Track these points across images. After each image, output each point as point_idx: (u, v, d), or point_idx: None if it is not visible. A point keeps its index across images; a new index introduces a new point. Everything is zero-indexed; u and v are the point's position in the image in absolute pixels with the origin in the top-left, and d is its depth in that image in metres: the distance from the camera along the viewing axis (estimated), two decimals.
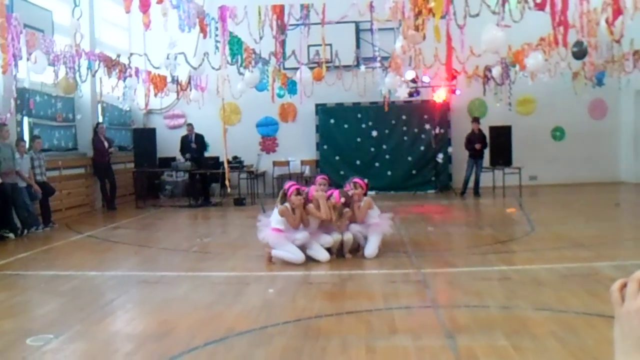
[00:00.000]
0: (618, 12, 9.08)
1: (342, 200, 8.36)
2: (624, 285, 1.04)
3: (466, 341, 4.87)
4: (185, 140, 16.52)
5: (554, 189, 16.95)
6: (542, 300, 5.99)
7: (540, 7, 8.85)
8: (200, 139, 16.56)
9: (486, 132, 16.38)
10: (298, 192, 8.10)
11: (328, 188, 8.80)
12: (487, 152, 16.23)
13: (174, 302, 6.50)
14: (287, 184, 8.65)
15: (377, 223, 8.62)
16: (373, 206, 8.80)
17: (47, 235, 11.37)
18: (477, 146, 15.95)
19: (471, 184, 16.17)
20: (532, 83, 14.34)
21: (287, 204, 8.06)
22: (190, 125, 16.65)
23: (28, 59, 10.17)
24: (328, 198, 8.30)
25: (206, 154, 16.87)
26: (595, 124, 18.18)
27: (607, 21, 9.44)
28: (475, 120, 16.43)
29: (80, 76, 12.09)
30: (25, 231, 11.23)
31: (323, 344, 4.91)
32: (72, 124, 14.70)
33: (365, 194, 8.71)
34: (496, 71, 14.99)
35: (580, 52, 12.18)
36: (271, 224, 8.27)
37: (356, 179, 8.82)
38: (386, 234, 8.82)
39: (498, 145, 16.21)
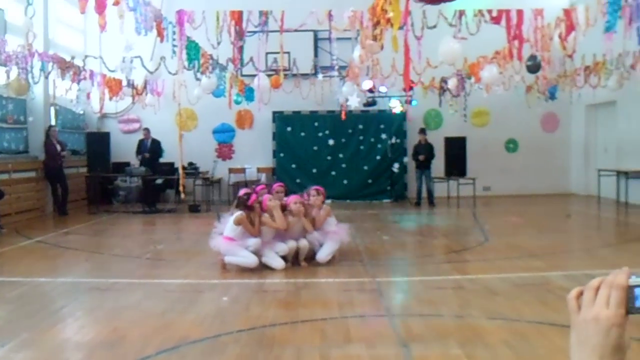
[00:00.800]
0: (571, 27, 9.32)
1: (296, 205, 8.32)
2: (581, 294, 1.06)
3: (420, 350, 4.89)
4: (141, 145, 16.34)
5: (507, 199, 17.24)
6: (495, 309, 6.06)
7: (496, 21, 9.03)
8: (156, 144, 16.39)
9: (441, 143, 16.58)
10: (258, 200, 8.10)
11: (284, 195, 8.81)
12: (441, 163, 16.41)
13: (125, 309, 6.38)
14: (241, 191, 8.60)
15: (335, 231, 8.63)
16: (331, 214, 8.83)
17: None
18: (421, 157, 16.12)
19: (424, 193, 16.33)
20: (486, 95, 14.57)
21: (242, 213, 8.00)
22: (146, 130, 16.47)
23: None
24: (283, 207, 8.27)
25: (162, 160, 16.70)
26: (548, 137, 18.58)
27: (560, 36, 9.67)
28: (422, 131, 16.59)
29: (32, 77, 11.84)
30: None
31: (277, 352, 4.87)
32: (24, 126, 14.37)
33: (323, 202, 8.72)
34: (452, 83, 15.21)
35: (534, 66, 12.43)
36: (224, 232, 8.20)
37: (316, 187, 8.84)
38: (343, 243, 8.84)
39: (453, 156, 16.43)
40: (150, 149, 16.27)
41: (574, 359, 1.03)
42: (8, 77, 11.30)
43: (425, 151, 16.17)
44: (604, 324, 0.99)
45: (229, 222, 8.14)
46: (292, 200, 8.38)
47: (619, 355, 0.98)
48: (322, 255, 8.39)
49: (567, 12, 9.64)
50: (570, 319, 1.07)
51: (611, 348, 0.98)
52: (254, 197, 8.13)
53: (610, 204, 15.44)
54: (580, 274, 7.41)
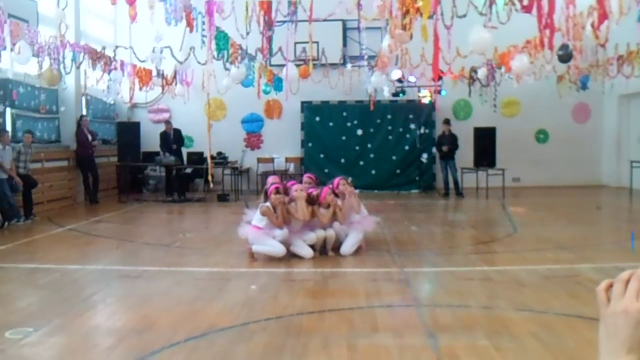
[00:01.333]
0: (604, 16, 9.16)
1: (329, 197, 8.34)
2: (610, 286, 1.05)
3: (447, 340, 4.88)
4: (164, 137, 16.51)
5: (536, 191, 17.07)
6: (523, 301, 6.02)
7: (527, 9, 8.90)
8: (177, 134, 16.59)
9: (470, 133, 16.45)
10: (277, 191, 8.09)
11: (313, 186, 8.84)
12: (470, 153, 16.30)
13: (155, 297, 6.47)
14: (268, 182, 8.64)
15: (358, 221, 8.64)
16: (359, 204, 8.84)
17: (28, 227, 11.27)
18: (445, 148, 16.07)
19: (451, 184, 16.25)
20: (517, 85, 14.40)
21: (268, 204, 8.04)
22: (169, 123, 16.65)
23: (12, 50, 10.07)
24: (309, 197, 8.28)
25: (191, 150, 16.86)
26: (579, 128, 18.32)
27: (592, 25, 9.52)
28: (446, 122, 16.52)
29: (64, 68, 12.00)
30: (6, 223, 11.12)
31: (304, 341, 4.90)
32: (56, 116, 14.58)
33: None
34: (482, 72, 15.06)
35: (565, 56, 12.26)
36: (252, 221, 8.25)
37: (343, 177, 8.86)
38: (367, 232, 8.84)
39: (482, 146, 16.29)
40: (174, 140, 16.45)
41: (602, 352, 1.01)
42: (41, 67, 11.45)
43: (448, 142, 16.09)
44: (633, 316, 0.97)
45: (257, 212, 8.19)
46: (326, 192, 8.37)
47: None
48: (346, 247, 8.40)
49: (600, 1, 9.48)
50: (599, 311, 1.05)
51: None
52: (271, 188, 8.15)
53: None
54: (610, 267, 7.32)
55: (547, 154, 18.15)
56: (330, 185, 8.68)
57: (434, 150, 17.33)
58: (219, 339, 5.00)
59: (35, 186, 12.32)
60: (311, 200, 8.27)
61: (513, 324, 5.22)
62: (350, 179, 8.92)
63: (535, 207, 13.90)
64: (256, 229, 8.09)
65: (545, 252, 8.51)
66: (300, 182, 9.11)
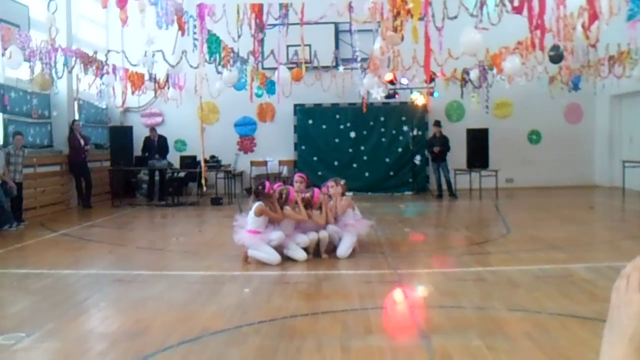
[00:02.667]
0: (594, 17, 9.19)
1: (322, 197, 8.36)
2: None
3: (441, 341, 4.88)
4: (147, 143, 16.64)
5: (529, 191, 17.11)
6: (517, 301, 6.03)
7: (518, 10, 8.93)
8: (162, 141, 16.69)
9: (463, 135, 16.50)
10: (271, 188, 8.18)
11: (305, 187, 8.85)
12: (463, 155, 16.34)
13: (148, 301, 6.45)
14: (258, 182, 8.67)
15: (352, 224, 8.64)
16: (353, 207, 8.84)
17: (21, 233, 11.23)
18: (436, 149, 16.11)
19: (444, 186, 16.29)
20: (509, 86, 14.44)
21: (261, 203, 8.03)
22: (153, 130, 16.79)
23: (3, 54, 10.06)
24: (307, 201, 8.30)
25: (184, 153, 16.92)
26: (571, 128, 18.39)
27: (583, 26, 9.55)
28: (437, 124, 16.58)
29: (56, 72, 11.97)
30: None
31: (298, 343, 4.90)
32: (48, 120, 14.53)
33: (343, 194, 8.73)
34: (474, 74, 15.10)
35: (556, 57, 12.29)
36: (247, 225, 8.23)
37: (335, 179, 8.86)
38: (361, 234, 8.85)
39: (475, 147, 16.34)
40: (159, 147, 16.52)
41: (604, 344, 1.00)
42: (32, 72, 11.43)
43: (439, 143, 16.14)
44: (636, 308, 0.96)
45: (250, 216, 8.16)
46: (318, 193, 8.39)
47: None
48: (342, 250, 8.40)
49: (590, 1, 9.51)
50: (611, 304, 1.03)
51: None
52: (268, 185, 8.18)
53: (634, 195, 15.26)
54: (603, 266, 7.34)
55: (540, 154, 18.20)
56: (324, 189, 8.70)
57: (427, 152, 17.37)
58: (212, 342, 4.99)
59: (14, 195, 12.20)
60: (306, 203, 8.27)
61: (506, 324, 5.23)
62: (343, 181, 8.92)
63: (529, 208, 13.93)
64: (252, 233, 8.07)
65: (538, 253, 8.53)
66: (291, 184, 9.10)
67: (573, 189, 17.32)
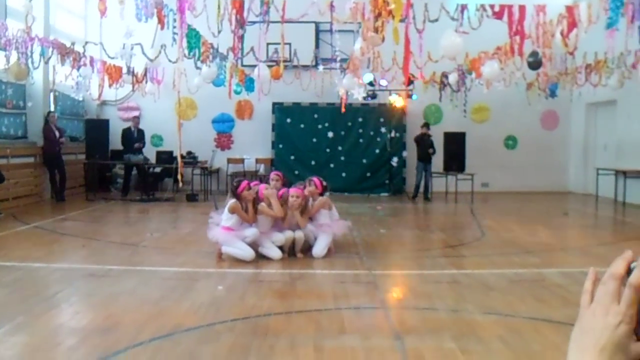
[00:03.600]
0: (573, 24, 9.29)
1: (295, 199, 8.32)
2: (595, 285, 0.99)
3: (414, 343, 4.89)
4: (127, 134, 16.44)
5: (505, 196, 17.25)
6: (490, 304, 6.06)
7: (498, 16, 9.00)
8: (141, 133, 16.56)
9: (441, 138, 16.57)
10: (249, 187, 8.08)
11: (281, 185, 8.81)
12: (440, 158, 16.42)
13: (120, 296, 6.38)
14: (235, 180, 8.62)
15: (327, 224, 8.63)
16: (330, 207, 8.82)
17: None
18: (430, 151, 16.09)
19: (422, 188, 16.32)
20: (487, 91, 14.53)
21: (235, 201, 8.00)
22: (136, 119, 16.60)
23: None
24: (280, 196, 8.27)
25: (160, 148, 16.78)
26: (547, 135, 18.58)
27: (562, 33, 9.64)
28: (425, 125, 16.54)
29: (32, 62, 11.79)
30: None
31: (271, 342, 4.87)
32: (23, 111, 14.33)
33: (321, 194, 8.70)
34: (452, 78, 15.17)
35: (535, 63, 12.40)
36: (221, 222, 8.20)
37: (313, 178, 8.83)
38: (337, 235, 8.84)
39: (452, 151, 16.42)
40: (138, 138, 16.39)
41: (571, 348, 0.97)
42: (8, 61, 11.25)
43: (430, 145, 16.07)
44: (612, 319, 0.93)
45: (225, 212, 8.14)
46: (292, 193, 8.36)
47: (621, 357, 0.92)
48: (318, 250, 8.38)
49: (570, 9, 9.61)
50: (580, 312, 0.99)
51: (614, 345, 0.92)
52: (243, 184, 8.13)
53: (608, 203, 15.45)
54: (576, 272, 7.41)
55: (516, 160, 18.36)
56: (301, 185, 8.68)
57: (405, 153, 17.41)
58: (184, 339, 4.95)
59: (3, 181, 12.11)
60: (283, 201, 8.25)
61: (480, 327, 5.25)
62: (324, 182, 8.87)
63: (504, 212, 14.03)
64: (226, 230, 8.04)
65: (512, 257, 8.59)
66: (267, 182, 9.07)
67: (547, 194, 17.49)
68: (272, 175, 9.30)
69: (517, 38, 9.87)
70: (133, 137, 16.38)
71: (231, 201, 8.05)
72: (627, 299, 0.92)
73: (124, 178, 16.72)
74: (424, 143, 16.23)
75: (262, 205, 8.14)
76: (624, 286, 0.93)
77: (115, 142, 17.22)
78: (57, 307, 6.03)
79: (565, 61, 14.02)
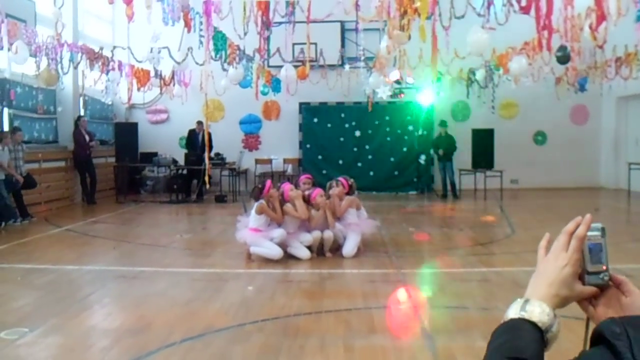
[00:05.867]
0: (602, 17, 9.15)
1: (321, 198, 8.34)
2: (548, 243, 1.32)
3: (444, 341, 4.87)
4: (191, 136, 16.46)
5: (534, 192, 17.05)
6: None
7: (525, 10, 8.89)
8: (208, 137, 16.46)
9: (469, 135, 16.45)
10: (273, 187, 8.17)
11: (312, 187, 8.82)
12: (469, 155, 16.30)
13: (152, 297, 6.45)
14: (259, 183, 8.69)
15: (356, 223, 8.63)
16: (359, 206, 8.82)
17: (25, 228, 11.24)
18: (440, 152, 16.14)
19: (449, 186, 16.25)
20: (515, 87, 14.39)
21: (262, 201, 8.05)
22: (200, 123, 16.21)
23: (9, 49, 10.06)
24: (307, 199, 8.29)
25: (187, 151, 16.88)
26: (577, 130, 18.32)
27: (590, 27, 9.51)
28: (442, 124, 16.53)
29: (62, 68, 11.97)
30: (3, 224, 11.09)
31: (301, 342, 4.88)
32: (53, 116, 14.55)
33: (348, 193, 8.70)
34: (480, 74, 15.05)
35: (563, 57, 12.25)
36: (249, 224, 8.24)
37: (340, 178, 8.85)
38: (365, 234, 8.84)
39: (480, 148, 16.29)
40: (203, 143, 16.22)
41: (530, 286, 1.27)
42: (38, 67, 11.42)
43: (445, 143, 16.10)
44: (560, 262, 1.22)
45: (252, 214, 8.19)
46: (317, 193, 8.39)
47: (566, 291, 1.22)
48: (348, 249, 8.39)
49: (598, 2, 9.46)
50: (537, 262, 1.29)
51: (561, 281, 1.21)
52: (268, 184, 8.19)
53: None
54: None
55: (545, 155, 18.14)
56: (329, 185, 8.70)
57: (432, 151, 17.34)
58: (215, 340, 4.98)
59: (35, 186, 12.31)
60: (305, 201, 8.26)
61: None
62: (352, 181, 8.90)
63: (533, 209, 13.89)
64: (254, 231, 8.08)
65: None
66: (296, 183, 9.09)
67: (578, 190, 17.26)
68: (303, 178, 9.32)
69: (545, 32, 9.75)
70: (197, 139, 16.30)
71: (258, 202, 8.09)
72: (573, 247, 1.23)
73: (187, 183, 16.59)
74: (441, 142, 16.22)
75: (288, 206, 8.17)
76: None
77: (145, 144, 17.42)
78: (90, 309, 6.11)
79: (595, 55, 13.82)
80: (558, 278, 1.22)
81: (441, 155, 16.17)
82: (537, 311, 1.19)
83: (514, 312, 1.22)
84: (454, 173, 16.22)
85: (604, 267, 1.22)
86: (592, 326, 1.18)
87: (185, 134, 17.14)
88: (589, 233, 1.25)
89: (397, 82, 15.67)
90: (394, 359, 4.57)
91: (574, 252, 1.22)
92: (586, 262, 1.22)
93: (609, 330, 1.00)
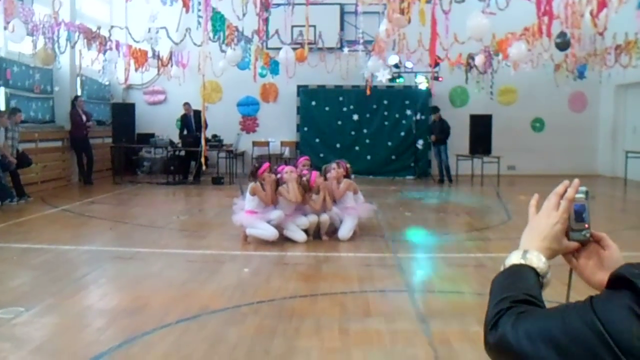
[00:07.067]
0: (603, 4, 9.10)
1: (319, 180, 8.34)
2: (537, 202, 1.51)
3: (439, 326, 4.88)
4: (184, 120, 16.38)
5: (531, 179, 17.03)
6: None
7: None
8: (197, 116, 16.39)
9: (467, 121, 16.43)
10: (270, 170, 8.14)
11: (310, 169, 8.82)
12: (466, 141, 16.28)
13: (148, 278, 6.45)
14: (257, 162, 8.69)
15: (353, 207, 8.64)
16: (356, 190, 8.83)
17: (22, 208, 11.22)
18: (432, 138, 16.28)
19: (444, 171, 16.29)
20: (514, 73, 14.34)
21: (257, 182, 8.06)
22: (187, 104, 16.31)
23: (6, 28, 9.99)
24: (301, 178, 8.27)
25: (185, 132, 16.81)
26: (575, 117, 18.30)
27: (591, 13, 9.45)
28: (434, 110, 16.56)
29: (59, 47, 11.90)
30: (0, 203, 11.07)
31: (296, 324, 4.90)
32: (50, 96, 14.49)
33: (346, 176, 8.71)
34: (479, 59, 15.00)
35: (563, 44, 12.20)
36: (245, 206, 8.25)
37: (338, 161, 8.86)
38: (362, 218, 8.85)
39: (478, 133, 16.27)
40: (197, 124, 16.16)
41: (523, 239, 1.41)
42: (35, 46, 11.35)
43: (438, 129, 16.12)
44: (552, 220, 1.38)
45: (247, 195, 8.21)
46: (315, 176, 8.38)
47: (555, 245, 1.38)
48: (344, 232, 8.40)
49: None
50: (529, 219, 1.45)
51: (552, 236, 1.37)
52: (264, 166, 8.19)
53: (636, 186, 15.22)
54: None
55: (543, 142, 18.13)
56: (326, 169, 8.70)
57: (429, 137, 17.34)
58: (210, 321, 4.99)
59: (29, 165, 12.25)
60: (304, 187, 8.24)
61: None
62: (348, 165, 8.89)
63: (530, 195, 13.86)
64: (250, 213, 8.09)
65: None
66: (295, 166, 9.08)
67: (575, 177, 17.14)
68: (302, 160, 9.33)
69: (545, 18, 9.71)
70: (190, 121, 16.26)
71: (251, 184, 8.11)
72: (563, 207, 1.40)
73: (184, 164, 16.55)
74: (435, 128, 16.25)
75: (283, 187, 8.16)
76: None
77: (142, 125, 17.37)
78: (86, 289, 6.12)
79: (595, 42, 13.76)
80: (550, 233, 1.38)
81: (433, 141, 16.22)
82: (536, 260, 1.35)
83: (515, 259, 1.37)
84: (448, 157, 16.23)
85: (586, 225, 1.41)
86: (574, 275, 1.47)
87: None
88: (576, 195, 1.44)
89: (396, 66, 15.61)
90: (389, 343, 4.59)
91: (563, 212, 1.40)
92: (571, 221, 1.40)
93: (629, 272, 1.09)
